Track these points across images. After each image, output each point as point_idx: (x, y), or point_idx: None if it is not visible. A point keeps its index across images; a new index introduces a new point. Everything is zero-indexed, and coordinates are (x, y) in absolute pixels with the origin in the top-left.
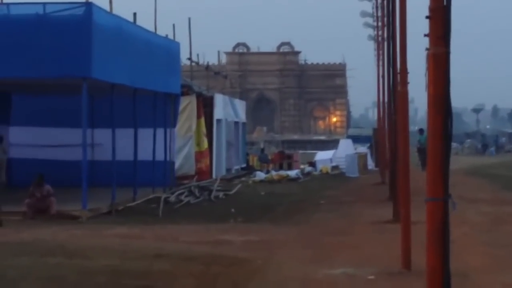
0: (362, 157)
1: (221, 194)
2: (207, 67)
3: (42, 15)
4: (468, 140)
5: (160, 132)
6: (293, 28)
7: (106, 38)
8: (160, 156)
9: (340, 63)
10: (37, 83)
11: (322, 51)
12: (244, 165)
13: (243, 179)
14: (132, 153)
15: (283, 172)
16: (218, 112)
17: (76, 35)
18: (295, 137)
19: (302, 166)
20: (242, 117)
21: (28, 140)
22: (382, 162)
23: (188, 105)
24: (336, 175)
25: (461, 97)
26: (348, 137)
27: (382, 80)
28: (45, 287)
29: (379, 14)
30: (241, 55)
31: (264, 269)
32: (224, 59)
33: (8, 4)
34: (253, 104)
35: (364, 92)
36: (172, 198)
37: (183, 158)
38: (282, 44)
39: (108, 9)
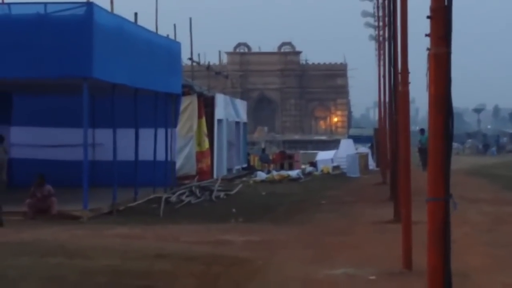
0: (363, 157)
1: (222, 194)
2: (208, 67)
3: (43, 15)
4: (469, 140)
5: (161, 132)
6: (294, 28)
7: (107, 38)
8: (161, 156)
9: (341, 63)
10: (38, 83)
11: (323, 51)
12: (245, 165)
13: (244, 179)
14: (133, 153)
15: (284, 172)
16: (219, 112)
17: (77, 35)
18: (296, 137)
19: (303, 166)
20: (243, 117)
21: (29, 140)
22: (383, 162)
23: (189, 105)
24: (337, 175)
25: (462, 97)
26: (349, 137)
27: (383, 80)
28: (45, 287)
29: (380, 14)
30: (242, 55)
31: (265, 269)
32: (225, 59)
33: (9, 4)
34: (254, 104)
35: (365, 92)
36: (173, 198)
37: (184, 158)
38: (283, 44)
39: (109, 9)
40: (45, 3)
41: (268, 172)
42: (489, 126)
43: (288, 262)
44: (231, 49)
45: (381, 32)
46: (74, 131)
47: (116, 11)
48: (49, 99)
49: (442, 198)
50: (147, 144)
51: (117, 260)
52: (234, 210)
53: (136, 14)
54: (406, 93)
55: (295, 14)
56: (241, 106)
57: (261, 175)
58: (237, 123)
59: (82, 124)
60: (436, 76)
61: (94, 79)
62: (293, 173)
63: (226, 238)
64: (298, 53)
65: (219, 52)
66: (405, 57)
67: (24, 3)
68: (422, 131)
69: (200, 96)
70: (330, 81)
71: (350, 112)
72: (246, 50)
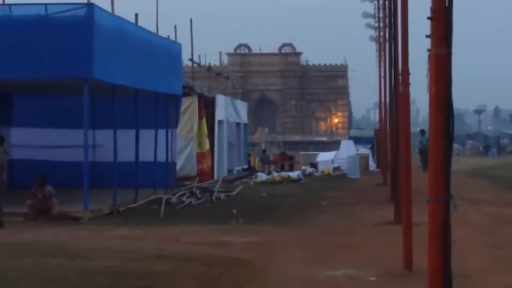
0: (363, 158)
1: (222, 195)
2: (209, 68)
3: (43, 16)
4: (470, 141)
5: (161, 133)
6: (295, 29)
7: (107, 39)
8: (161, 157)
9: (341, 64)
10: (38, 84)
11: (324, 52)
12: (245, 166)
13: (244, 180)
14: (134, 154)
15: (284, 173)
16: (220, 113)
17: (78, 36)
18: (297, 138)
19: (303, 167)
20: (244, 118)
21: (29, 141)
22: (383, 163)
23: (189, 106)
24: (337, 176)
25: (462, 98)
26: (350, 138)
27: (383, 81)
28: None
29: (381, 15)
30: (242, 56)
31: (265, 270)
32: (225, 60)
33: (10, 5)
34: (254, 105)
35: (365, 93)
36: (174, 199)
37: (184, 159)
38: (284, 45)
39: (109, 10)
40: (46, 4)
41: (269, 173)
42: (489, 127)
43: (289, 263)
44: (231, 50)
45: (381, 33)
46: (75, 132)
47: (116, 12)
48: (50, 100)
49: (442, 199)
50: (148, 145)
51: (117, 261)
52: (234, 211)
53: (136, 15)
54: (406, 94)
55: (296, 15)
56: (242, 107)
57: (262, 176)
58: (238, 124)
59: (83, 125)
60: (436, 77)
61: (95, 80)
62: (294, 174)
63: (226, 239)
64: (299, 54)
65: (220, 53)
66: (405, 58)
67: (25, 4)
68: (422, 132)
69: (201, 97)
70: (331, 82)
71: (350, 113)
72: (247, 51)
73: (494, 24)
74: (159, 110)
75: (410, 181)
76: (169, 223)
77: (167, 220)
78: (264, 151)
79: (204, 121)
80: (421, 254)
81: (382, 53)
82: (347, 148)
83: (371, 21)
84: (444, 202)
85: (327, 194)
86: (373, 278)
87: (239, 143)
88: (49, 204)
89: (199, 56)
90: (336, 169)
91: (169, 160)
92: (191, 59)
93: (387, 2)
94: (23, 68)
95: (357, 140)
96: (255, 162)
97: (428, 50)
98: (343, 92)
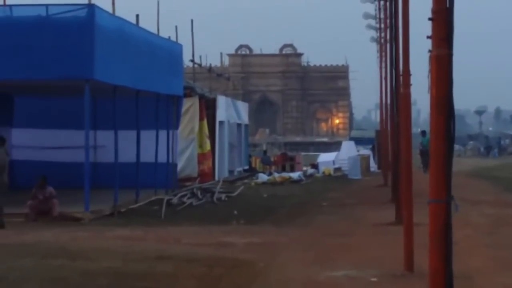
0: (364, 159)
1: (223, 196)
2: (210, 69)
3: (44, 17)
4: (471, 142)
5: (162, 134)
6: (296, 30)
7: (108, 40)
8: (162, 158)
9: (342, 65)
10: (39, 85)
11: (325, 53)
12: (246, 167)
13: (245, 181)
14: (135, 155)
15: (285, 174)
16: (221, 114)
17: (79, 37)
18: (298, 139)
19: (304, 168)
20: (245, 119)
21: (30, 142)
22: (384, 164)
23: (190, 107)
24: (338, 177)
25: (463, 99)
26: (351, 139)
27: (384, 82)
28: None
29: (382, 16)
30: (243, 57)
31: (266, 271)
32: (226, 61)
33: (11, 6)
34: (255, 106)
35: (366, 94)
36: (175, 200)
37: (185, 160)
38: (285, 46)
39: (110, 11)
40: (47, 5)
41: (270, 174)
42: (490, 128)
43: (290, 264)
44: (232, 51)
45: (382, 34)
46: (76, 133)
47: (117, 13)
48: (51, 101)
49: (443, 200)
50: (149, 146)
51: (118, 262)
52: (235, 212)
53: (137, 16)
54: (407, 95)
55: (297, 16)
56: (243, 108)
57: (263, 177)
58: (239, 125)
59: (84, 126)
60: (437, 78)
61: (96, 81)
62: (295, 175)
63: (227, 240)
64: (300, 55)
65: (221, 54)
66: (406, 59)
67: (26, 5)
68: (423, 133)
69: (202, 98)
70: (332, 83)
71: (351, 114)
72: (248, 52)
73: (495, 24)
74: (160, 111)
75: (411, 182)
76: (170, 224)
77: (168, 221)
78: (265, 152)
79: (205, 122)
80: (422, 255)
81: (383, 54)
82: (348, 149)
83: (372, 22)
84: (445, 203)
85: (328, 195)
86: (374, 279)
87: (240, 144)
88: (50, 205)
89: (200, 57)
90: (337, 170)
91: (170, 161)
92: (192, 60)
93: (388, 3)
94: (24, 69)
95: (358, 141)
96: (256, 163)
97: (429, 51)
98: (344, 93)
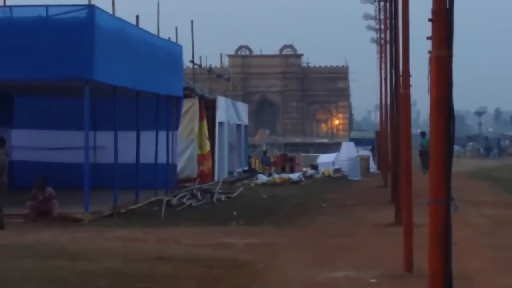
0: (364, 160)
1: (223, 197)
2: (210, 70)
3: (44, 18)
4: (470, 143)
5: (162, 134)
6: (296, 31)
7: (108, 41)
8: (162, 159)
9: (342, 66)
10: (39, 86)
11: (325, 53)
12: (246, 168)
13: (245, 181)
14: (134, 155)
15: (285, 175)
16: (221, 115)
17: (79, 37)
18: (298, 139)
19: (304, 169)
20: (245, 119)
21: (30, 143)
22: (384, 165)
23: (190, 108)
24: (338, 178)
25: (463, 100)
26: (351, 140)
27: (384, 83)
28: None
29: (382, 17)
30: (243, 58)
31: (266, 272)
32: (226, 61)
33: (11, 7)
34: (255, 107)
35: (366, 95)
36: (174, 201)
37: (185, 160)
38: (285, 46)
39: (110, 11)
40: (47, 6)
41: (269, 175)
42: (490, 129)
43: (289, 265)
44: (232, 52)
45: (382, 35)
46: (76, 134)
47: (117, 14)
48: (51, 102)
49: (443, 200)
50: (149, 147)
51: (118, 263)
52: (235, 213)
53: (137, 16)
54: (407, 96)
55: (297, 17)
56: (243, 108)
57: (262, 178)
58: (239, 125)
59: (84, 126)
60: (437, 78)
61: (96, 81)
62: (294, 176)
63: (227, 241)
64: (300, 55)
65: (221, 54)
66: (406, 59)
67: (26, 6)
68: (423, 134)
69: (202, 98)
70: (332, 84)
71: (351, 115)
72: (248, 52)
73: (495, 25)
74: (160, 111)
75: (411, 183)
76: (170, 224)
77: (168, 222)
78: (264, 152)
79: (205, 122)
80: (422, 256)
81: (383, 55)
82: (348, 150)
83: (372, 23)
84: (444, 204)
85: (328, 195)
86: (373, 280)
87: (239, 144)
88: (49, 206)
89: (200, 57)
90: (337, 170)
91: (170, 161)
92: (192, 61)
93: (388, 4)
94: (24, 69)
95: (358, 142)
96: (256, 163)
97: (429, 52)
98: (344, 93)
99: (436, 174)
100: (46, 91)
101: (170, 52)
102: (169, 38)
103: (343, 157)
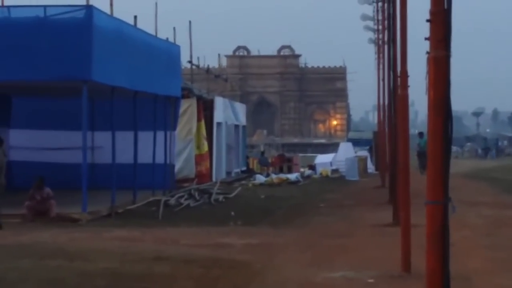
0: (362, 161)
1: (221, 197)
2: (208, 70)
3: (42, 18)
4: (468, 144)
5: (160, 135)
6: (294, 31)
7: (106, 41)
8: (160, 159)
9: (340, 66)
10: (37, 86)
11: (323, 54)
12: (244, 168)
13: (243, 182)
14: (132, 156)
15: (283, 175)
16: (218, 115)
17: (77, 38)
18: (295, 140)
19: (302, 169)
20: (242, 120)
21: (28, 143)
22: (382, 165)
23: (188, 108)
24: (336, 179)
25: (461, 101)
26: (348, 140)
27: (382, 83)
28: None
29: (380, 17)
30: (241, 58)
31: (263, 272)
32: (224, 62)
33: (9, 7)
34: (253, 107)
35: (364, 95)
36: (172, 201)
37: (183, 161)
38: (283, 47)
39: (108, 12)
40: (45, 6)
41: (267, 175)
42: (488, 130)
43: (287, 265)
44: (230, 52)
45: (380, 36)
46: (73, 134)
47: (115, 14)
48: (49, 102)
49: (441, 201)
50: (146, 147)
51: (116, 263)
52: (233, 213)
53: (135, 17)
54: (405, 97)
55: (295, 17)
56: (240, 109)
57: (260, 178)
58: (236, 126)
59: (81, 126)
60: (435, 79)
61: (94, 82)
62: (292, 176)
63: (225, 241)
64: (298, 56)
65: (219, 55)
66: (404, 60)
67: (24, 6)
68: (420, 134)
69: (200, 99)
70: (330, 84)
71: (349, 115)
72: (246, 53)
73: (493, 25)
74: (158, 112)
75: (409, 183)
76: (168, 225)
77: (166, 222)
78: (262, 153)
79: (202, 123)
80: (420, 256)
81: (381, 55)
82: (346, 150)
83: (370, 24)
84: (442, 205)
85: (326, 196)
86: (371, 280)
87: (237, 145)
88: (47, 206)
89: (198, 58)
90: (335, 171)
91: (168, 162)
92: (190, 61)
93: (386, 5)
94: (22, 69)
95: (356, 142)
96: (254, 164)
97: (427, 52)
98: (341, 94)
99: (434, 174)
100: (44, 91)
101: (168, 53)
102: (167, 38)
103: (341, 158)
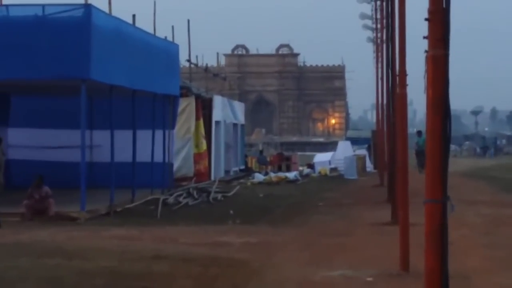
0: (360, 159)
1: (219, 196)
2: (206, 69)
3: (41, 17)
4: (467, 143)
5: (158, 133)
6: (292, 30)
7: (105, 40)
8: (158, 158)
9: (339, 65)
10: (36, 85)
11: (321, 53)
12: (242, 167)
13: (241, 181)
14: (131, 154)
15: (281, 174)
16: (217, 114)
17: (75, 36)
18: (294, 139)
19: (300, 168)
20: (241, 119)
21: (26, 142)
22: (380, 164)
23: (187, 107)
24: (334, 177)
25: (460, 99)
26: (347, 139)
27: (381, 82)
28: None
29: (378, 16)
30: (240, 57)
31: (262, 271)
32: (223, 61)
33: (7, 6)
34: (252, 106)
35: (363, 94)
36: (171, 199)
37: (181, 159)
38: (281, 46)
39: (107, 10)
40: (43, 5)
41: (266, 174)
42: (486, 129)
43: (285, 263)
44: (229, 51)
45: (379, 34)
46: (72, 133)
47: (114, 13)
48: (47, 101)
49: (439, 200)
50: (145, 146)
51: (114, 262)
52: (231, 211)
53: (134, 16)
54: (403, 95)
55: (293, 16)
56: (239, 108)
57: (259, 177)
58: (235, 125)
59: (80, 125)
60: (434, 78)
61: (92, 80)
62: (291, 175)
63: (223, 239)
64: (296, 55)
65: (217, 54)
66: (403, 59)
67: (23, 5)
68: (419, 133)
69: (198, 98)
70: (328, 83)
71: (347, 114)
72: (244, 52)
73: (492, 24)
74: (157, 110)
75: (407, 182)
76: (166, 223)
77: (164, 221)
78: (261, 152)
79: (201, 122)
80: (418, 255)
81: (380, 54)
82: (344, 149)
83: (369, 23)
84: (441, 203)
85: (324, 195)
86: (370, 279)
87: (236, 144)
88: (46, 205)
89: (197, 57)
90: (333, 170)
91: (166, 160)
92: (189, 60)
93: (384, 4)
94: (20, 68)
95: (354, 141)
96: (252, 163)
97: (426, 51)
98: (340, 93)
99: (432, 173)
100: (43, 90)
101: (166, 51)
102: (166, 37)
103: (340, 156)
